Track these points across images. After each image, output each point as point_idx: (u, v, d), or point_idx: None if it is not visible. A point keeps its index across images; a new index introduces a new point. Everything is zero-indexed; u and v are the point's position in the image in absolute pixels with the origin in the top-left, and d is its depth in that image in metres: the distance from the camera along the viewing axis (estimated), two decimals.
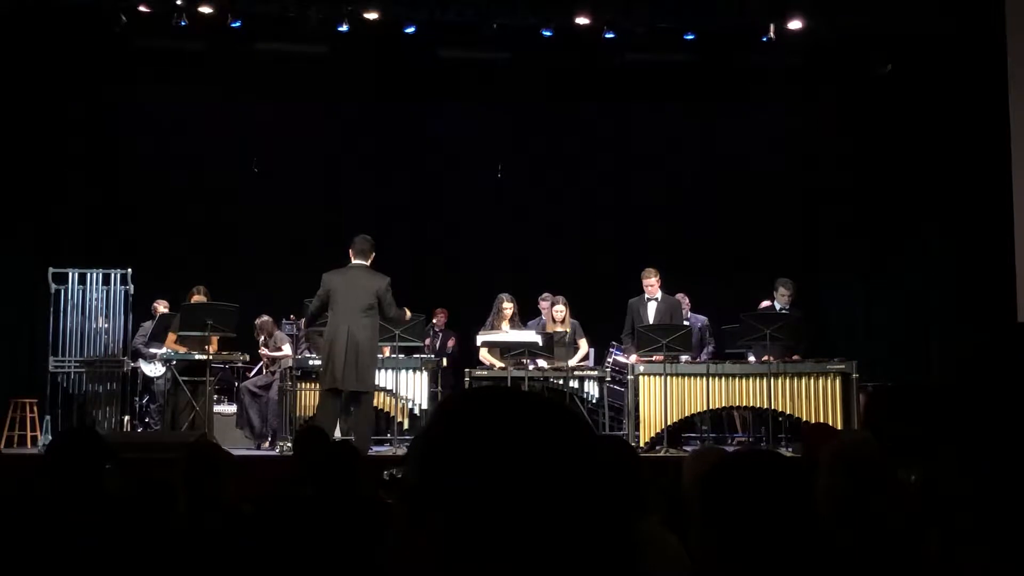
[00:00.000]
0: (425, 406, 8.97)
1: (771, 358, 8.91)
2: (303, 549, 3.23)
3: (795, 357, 9.15)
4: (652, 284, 9.31)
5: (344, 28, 10.54)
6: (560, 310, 9.48)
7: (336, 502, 3.55)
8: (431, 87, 12.00)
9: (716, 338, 10.22)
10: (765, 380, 8.79)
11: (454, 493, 0.98)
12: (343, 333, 7.87)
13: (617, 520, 1.01)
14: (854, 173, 11.84)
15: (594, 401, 9.20)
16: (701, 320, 10.19)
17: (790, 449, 8.46)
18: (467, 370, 9.11)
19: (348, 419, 9.22)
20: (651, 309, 9.29)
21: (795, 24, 10.44)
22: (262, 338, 9.95)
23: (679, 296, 9.97)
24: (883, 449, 3.01)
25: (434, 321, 10.88)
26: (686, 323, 9.65)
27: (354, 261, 8.15)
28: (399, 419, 9.11)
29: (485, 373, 9.08)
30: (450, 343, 10.91)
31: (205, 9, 10.25)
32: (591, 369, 9.48)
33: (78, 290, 9.85)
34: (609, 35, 10.78)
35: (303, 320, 8.97)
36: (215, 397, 9.32)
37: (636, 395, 8.91)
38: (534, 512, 0.96)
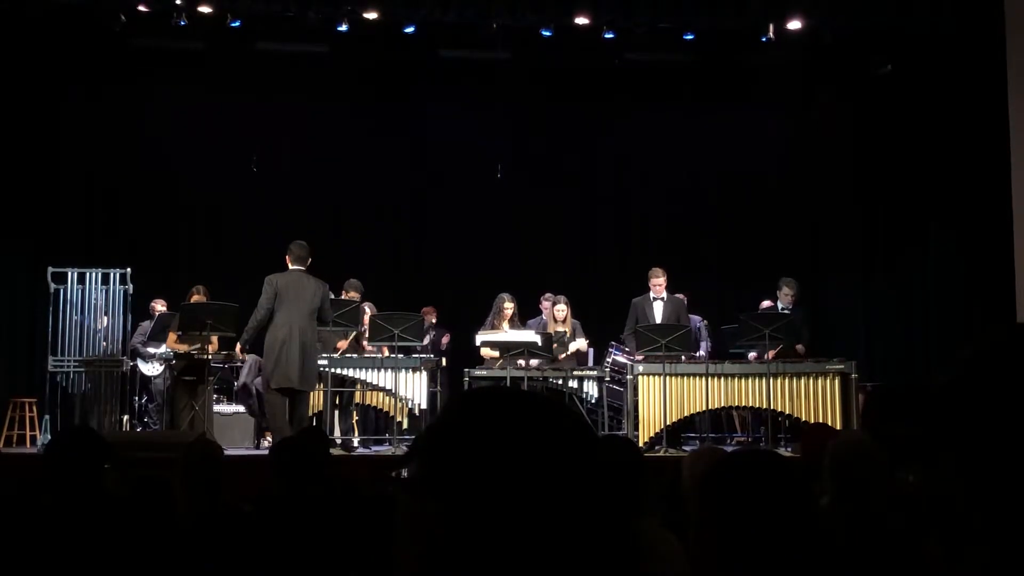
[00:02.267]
0: (424, 406, 8.96)
1: (770, 355, 8.92)
2: (302, 548, 3.23)
3: (798, 347, 9.15)
4: (660, 284, 9.30)
5: (344, 28, 10.53)
6: (561, 309, 9.46)
7: (310, 496, 3.55)
8: (431, 87, 12.00)
9: (716, 338, 10.20)
10: (764, 380, 8.79)
11: (457, 491, 0.98)
12: (295, 334, 7.95)
13: (618, 520, 1.01)
14: (854, 173, 11.84)
15: (593, 401, 9.19)
16: (697, 320, 10.18)
17: (789, 449, 8.45)
18: (466, 369, 9.10)
19: (345, 420, 9.24)
20: (658, 309, 9.28)
21: (795, 24, 10.43)
22: None
23: (678, 296, 9.95)
24: (882, 449, 3.01)
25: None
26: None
27: (293, 267, 8.22)
28: (398, 419, 9.11)
29: (484, 372, 9.07)
30: (444, 340, 10.89)
31: (204, 9, 10.24)
32: (590, 369, 9.47)
33: (77, 289, 9.83)
34: (609, 35, 10.77)
35: (248, 328, 8.35)
36: (215, 397, 9.32)
37: (635, 395, 8.90)
38: (536, 511, 0.96)
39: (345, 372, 9.02)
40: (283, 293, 8.06)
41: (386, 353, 9.14)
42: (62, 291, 9.81)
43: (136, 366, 9.82)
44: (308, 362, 8.06)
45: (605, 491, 1.00)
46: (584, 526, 0.97)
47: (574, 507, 0.97)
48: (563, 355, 9.32)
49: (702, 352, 9.90)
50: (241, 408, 9.57)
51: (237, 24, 10.56)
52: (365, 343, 9.35)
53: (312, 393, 8.46)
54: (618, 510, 1.01)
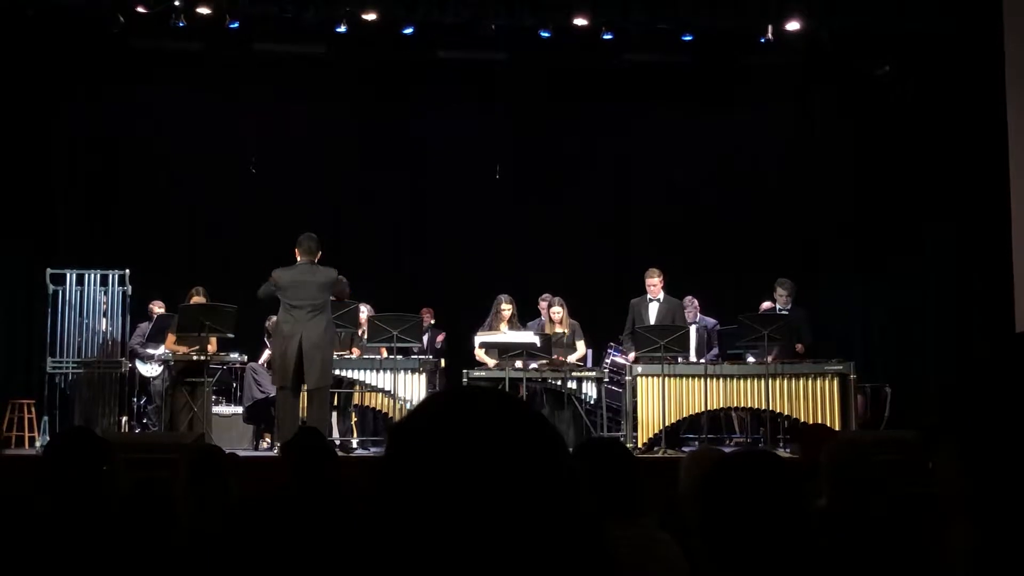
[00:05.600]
0: None
1: (769, 359, 8.92)
2: (302, 549, 3.23)
3: (798, 346, 9.15)
4: (655, 284, 9.29)
5: (342, 29, 10.52)
6: (557, 311, 9.45)
7: (323, 497, 3.55)
8: (429, 88, 12.00)
9: (718, 340, 10.20)
10: (762, 381, 8.79)
11: (415, 491, 0.98)
12: (296, 333, 7.91)
13: (583, 523, 1.00)
14: (853, 173, 11.84)
15: (592, 402, 9.18)
16: (710, 322, 10.16)
17: (787, 450, 8.45)
18: (464, 371, 9.09)
19: (344, 421, 9.23)
20: (652, 310, 9.27)
21: (793, 25, 10.44)
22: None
23: (688, 299, 9.96)
24: (881, 451, 3.02)
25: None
26: (693, 325, 9.65)
27: (301, 260, 8.16)
28: (397, 420, 9.10)
29: (483, 374, 9.06)
30: (439, 338, 10.89)
31: (203, 10, 10.23)
32: (589, 370, 9.46)
33: (76, 291, 9.82)
34: (607, 36, 10.78)
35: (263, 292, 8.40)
36: (213, 398, 9.31)
37: (634, 396, 8.90)
38: (492, 513, 0.95)
39: (343, 373, 9.01)
40: (284, 289, 8.01)
41: (384, 354, 9.14)
42: (60, 292, 9.80)
43: (135, 367, 9.81)
44: (323, 356, 7.99)
45: (567, 494, 0.99)
46: (544, 529, 0.96)
47: (532, 510, 0.96)
48: (564, 358, 9.30)
49: (713, 355, 9.87)
50: (239, 409, 9.57)
51: (235, 25, 10.55)
52: (356, 349, 9.32)
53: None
54: (584, 513, 1.00)
